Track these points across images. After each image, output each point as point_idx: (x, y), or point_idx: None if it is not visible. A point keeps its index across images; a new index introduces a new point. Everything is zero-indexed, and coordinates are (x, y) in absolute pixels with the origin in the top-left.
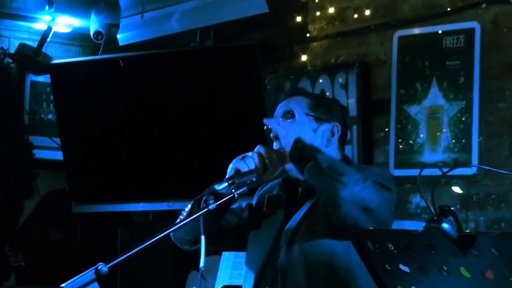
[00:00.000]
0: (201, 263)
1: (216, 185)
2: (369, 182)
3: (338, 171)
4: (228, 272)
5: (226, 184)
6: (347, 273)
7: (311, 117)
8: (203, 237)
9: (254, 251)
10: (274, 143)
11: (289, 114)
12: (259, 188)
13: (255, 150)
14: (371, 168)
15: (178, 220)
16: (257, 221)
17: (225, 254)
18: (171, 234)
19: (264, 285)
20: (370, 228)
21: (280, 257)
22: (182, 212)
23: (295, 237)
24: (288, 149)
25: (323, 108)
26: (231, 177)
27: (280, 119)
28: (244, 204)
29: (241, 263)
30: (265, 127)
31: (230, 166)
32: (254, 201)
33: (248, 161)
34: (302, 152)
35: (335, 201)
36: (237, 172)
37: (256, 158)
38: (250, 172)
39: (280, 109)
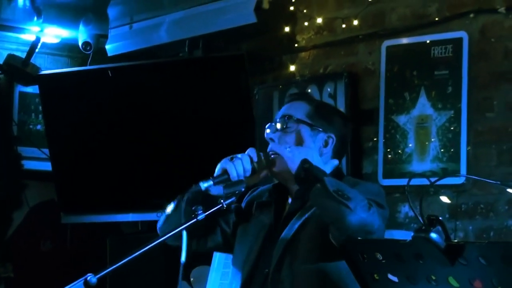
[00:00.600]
0: (182, 257)
1: (201, 182)
2: (374, 207)
3: (345, 195)
4: (217, 282)
5: (211, 182)
6: None
7: (307, 126)
8: (185, 233)
9: (242, 254)
10: (270, 144)
11: (283, 119)
12: (249, 193)
13: (246, 152)
14: (364, 184)
15: (163, 216)
16: (244, 224)
17: (214, 264)
18: (157, 227)
19: None
20: (359, 238)
21: (272, 267)
22: (167, 208)
23: (289, 249)
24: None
25: (322, 118)
26: (217, 176)
27: (277, 127)
28: (232, 206)
29: (229, 273)
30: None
31: (218, 166)
32: (243, 205)
33: (236, 163)
34: (309, 174)
35: (341, 225)
36: (225, 171)
37: (245, 161)
38: (238, 182)
39: (281, 111)
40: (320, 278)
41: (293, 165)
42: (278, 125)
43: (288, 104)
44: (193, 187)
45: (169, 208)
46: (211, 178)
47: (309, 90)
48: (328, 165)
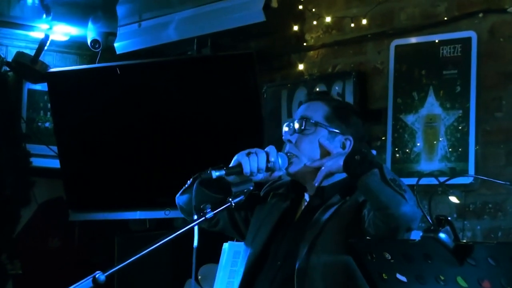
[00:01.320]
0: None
1: (213, 170)
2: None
3: (401, 186)
4: (225, 281)
5: (223, 172)
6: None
7: (325, 128)
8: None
9: (253, 233)
10: (287, 146)
11: (302, 121)
12: (268, 184)
13: (265, 149)
14: None
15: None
16: (260, 207)
17: (222, 262)
18: (176, 201)
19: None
20: (367, 238)
21: (300, 260)
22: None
23: (316, 243)
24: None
25: (340, 120)
26: (231, 168)
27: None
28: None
29: (238, 271)
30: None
31: (235, 157)
32: (261, 193)
33: (251, 158)
34: (365, 159)
35: (393, 212)
36: (239, 165)
37: (261, 158)
38: (247, 181)
39: (299, 111)
40: (346, 271)
41: (299, 167)
42: (296, 126)
43: (306, 104)
44: (205, 173)
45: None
46: (224, 168)
47: (318, 89)
48: None
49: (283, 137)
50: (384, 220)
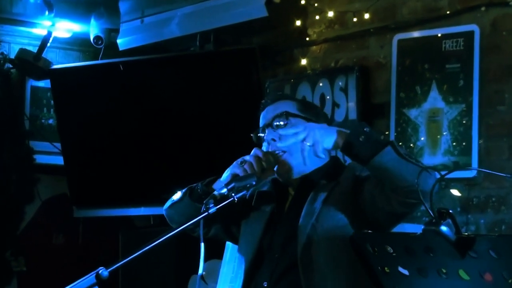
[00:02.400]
0: (200, 270)
1: (216, 192)
2: None
3: (417, 160)
4: (229, 276)
5: (225, 190)
6: None
7: (302, 119)
8: (202, 245)
9: (246, 241)
10: (270, 145)
11: (282, 117)
12: None
13: (252, 153)
14: None
15: (170, 201)
16: (246, 213)
17: (226, 258)
18: (164, 211)
19: (261, 281)
20: (369, 231)
21: (300, 251)
22: (173, 196)
23: (314, 232)
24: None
25: (311, 110)
26: (229, 183)
27: (275, 126)
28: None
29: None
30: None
31: (228, 171)
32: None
33: (246, 166)
34: (370, 138)
35: (422, 188)
36: (235, 176)
37: (254, 162)
38: (249, 176)
39: (268, 114)
40: (350, 252)
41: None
42: (281, 123)
43: (273, 106)
44: (209, 197)
45: (176, 196)
46: (224, 185)
47: (321, 84)
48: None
49: (266, 139)
50: (408, 196)
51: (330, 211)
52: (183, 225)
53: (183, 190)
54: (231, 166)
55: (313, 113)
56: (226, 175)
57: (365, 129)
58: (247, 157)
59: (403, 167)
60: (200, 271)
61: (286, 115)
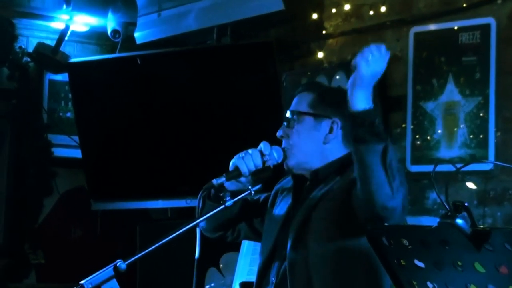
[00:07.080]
0: (196, 254)
1: (214, 180)
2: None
3: (394, 175)
4: (246, 268)
5: (224, 179)
6: (355, 268)
7: (310, 116)
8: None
9: (264, 241)
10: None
11: (290, 116)
12: (279, 181)
13: (259, 146)
14: None
15: (197, 215)
16: (269, 212)
17: (243, 251)
18: (200, 229)
19: (271, 276)
20: (386, 224)
21: (288, 248)
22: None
23: (303, 230)
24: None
25: (325, 104)
26: (230, 172)
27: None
28: (262, 196)
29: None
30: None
31: (231, 162)
32: (273, 192)
33: (246, 158)
34: (373, 130)
35: (374, 199)
36: (236, 169)
37: (255, 156)
38: (266, 169)
39: (291, 106)
40: (337, 257)
41: (295, 159)
42: (285, 122)
43: (296, 98)
44: (207, 184)
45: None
46: (224, 174)
47: (337, 77)
48: (335, 152)
49: (277, 136)
50: (361, 191)
51: (323, 208)
52: (216, 228)
53: (199, 195)
54: (234, 157)
55: (327, 107)
56: (230, 165)
57: (376, 120)
58: (250, 151)
59: (376, 170)
60: (197, 255)
61: (292, 115)
